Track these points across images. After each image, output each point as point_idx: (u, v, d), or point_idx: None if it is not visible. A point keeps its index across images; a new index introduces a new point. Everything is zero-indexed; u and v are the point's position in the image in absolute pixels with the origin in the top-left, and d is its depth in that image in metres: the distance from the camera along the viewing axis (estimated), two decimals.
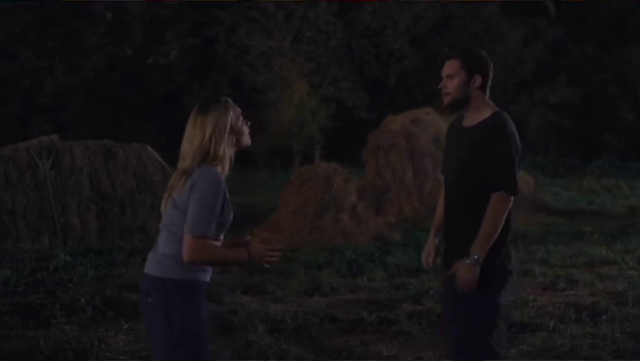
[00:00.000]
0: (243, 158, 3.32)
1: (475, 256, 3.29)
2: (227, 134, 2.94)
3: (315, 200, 11.62)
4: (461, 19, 28.06)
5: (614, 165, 25.88)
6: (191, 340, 2.87)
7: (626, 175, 23.45)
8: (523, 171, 13.83)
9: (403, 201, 13.77)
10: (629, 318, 5.84)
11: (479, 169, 3.36)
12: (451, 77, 3.46)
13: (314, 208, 11.50)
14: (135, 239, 10.51)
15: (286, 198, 12.10)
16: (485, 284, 3.32)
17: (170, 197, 2.93)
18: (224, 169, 2.95)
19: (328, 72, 26.19)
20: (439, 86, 3.54)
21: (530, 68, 28.67)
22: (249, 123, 3.07)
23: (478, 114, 3.45)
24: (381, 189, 13.87)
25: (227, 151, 2.96)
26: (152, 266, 2.93)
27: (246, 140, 3.05)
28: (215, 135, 2.91)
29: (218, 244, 2.93)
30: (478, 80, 3.45)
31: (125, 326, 5.74)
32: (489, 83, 3.50)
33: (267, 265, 2.97)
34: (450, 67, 3.48)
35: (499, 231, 3.32)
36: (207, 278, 2.96)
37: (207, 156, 2.90)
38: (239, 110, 3.02)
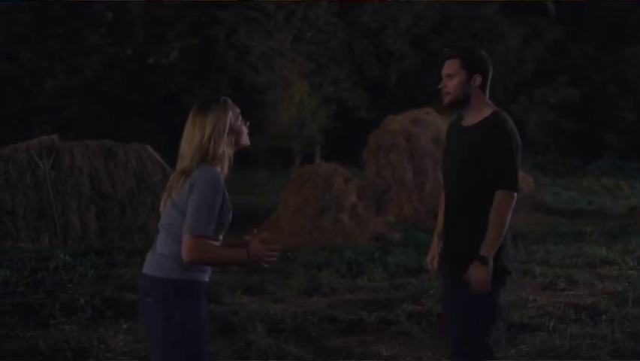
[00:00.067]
0: (243, 158, 3.31)
1: (486, 257, 3.29)
2: (226, 134, 2.94)
3: (315, 200, 11.62)
4: (461, 19, 28.06)
5: (614, 165, 25.88)
6: (190, 340, 2.87)
7: (626, 175, 23.45)
8: (523, 171, 13.83)
9: (403, 201, 13.76)
10: (629, 318, 5.83)
11: (479, 169, 3.36)
12: (451, 76, 3.47)
13: (314, 208, 11.50)
14: (135, 239, 10.51)
15: (286, 198, 12.10)
16: None
17: (169, 197, 2.93)
18: (223, 169, 2.95)
19: (328, 72, 26.19)
20: (439, 86, 3.55)
21: (530, 68, 28.67)
22: (248, 123, 3.07)
23: (477, 114, 3.46)
24: (381, 189, 13.87)
25: (227, 151, 2.95)
26: (151, 266, 2.93)
27: (245, 140, 3.05)
28: (214, 135, 2.91)
29: (218, 244, 2.93)
30: (478, 80, 3.46)
31: (125, 326, 5.75)
32: (489, 83, 3.51)
33: (266, 265, 2.97)
34: (450, 66, 3.48)
35: (506, 228, 3.32)
36: (206, 278, 2.95)
37: (206, 156, 2.90)
38: (238, 110, 3.02)
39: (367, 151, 14.82)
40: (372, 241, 10.87)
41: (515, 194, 3.35)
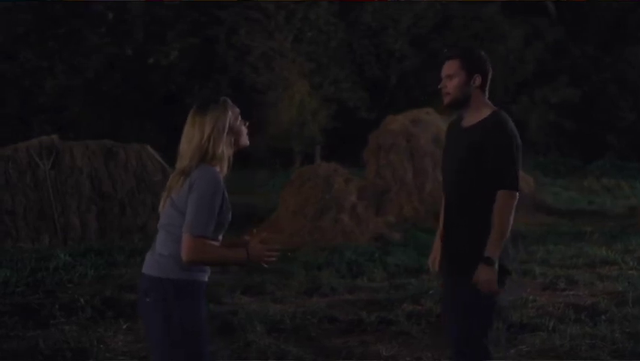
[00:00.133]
0: (243, 158, 3.32)
1: (491, 257, 3.29)
2: (225, 134, 2.94)
3: (315, 200, 11.62)
4: (462, 19, 28.04)
5: (614, 165, 25.87)
6: (190, 340, 2.86)
7: (626, 175, 23.44)
8: (524, 171, 13.82)
9: (403, 201, 13.76)
10: (629, 318, 5.83)
11: (478, 169, 3.36)
12: (451, 77, 3.48)
13: (314, 208, 11.50)
14: (135, 239, 10.51)
15: (286, 198, 12.10)
16: None
17: (168, 197, 2.93)
18: (222, 169, 2.95)
19: (329, 72, 26.17)
20: (439, 86, 3.55)
21: (531, 68, 28.65)
22: (247, 123, 3.07)
23: (477, 114, 3.46)
24: (381, 189, 13.87)
25: (226, 151, 2.95)
26: (150, 266, 2.93)
27: (245, 140, 3.05)
28: (213, 135, 2.91)
29: (217, 244, 2.93)
30: (477, 80, 3.46)
31: (124, 326, 5.75)
32: (488, 83, 3.52)
33: (265, 265, 2.97)
34: (450, 67, 3.49)
35: (509, 228, 3.33)
36: (206, 278, 2.95)
37: (206, 156, 2.90)
38: (237, 110, 3.02)
39: (367, 151, 14.81)
40: (372, 241, 10.87)
41: (517, 193, 3.36)
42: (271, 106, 24.36)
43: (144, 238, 10.27)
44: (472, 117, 3.48)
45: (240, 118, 3.02)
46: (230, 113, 2.98)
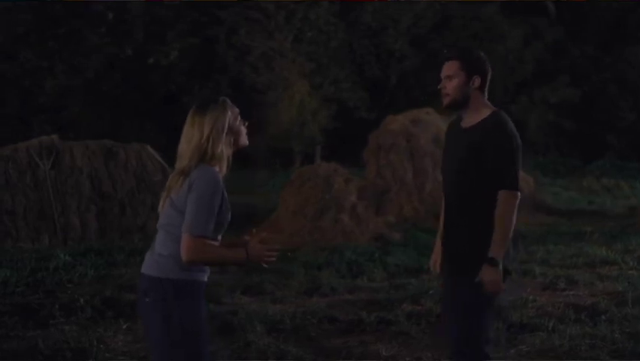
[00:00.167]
0: (243, 158, 3.32)
1: (495, 258, 3.29)
2: (225, 134, 2.94)
3: (315, 200, 11.62)
4: (461, 19, 28.05)
5: (614, 165, 25.88)
6: (190, 340, 2.86)
7: (626, 175, 23.45)
8: (524, 172, 13.81)
9: (403, 201, 13.76)
10: (629, 318, 5.83)
11: (478, 169, 3.37)
12: (451, 77, 3.48)
13: (314, 208, 11.50)
14: (135, 239, 10.51)
15: (286, 198, 12.10)
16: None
17: (167, 197, 2.92)
18: (222, 169, 2.95)
19: (329, 72, 26.18)
20: (438, 87, 3.55)
21: (530, 68, 28.66)
22: (246, 123, 3.07)
23: (476, 115, 3.47)
24: (381, 189, 13.87)
25: (225, 151, 2.95)
26: (150, 266, 2.93)
27: (244, 140, 3.05)
28: (213, 135, 2.91)
29: (217, 243, 2.93)
30: (477, 81, 3.47)
31: (124, 326, 5.74)
32: (488, 84, 3.52)
33: (265, 265, 2.97)
34: (449, 68, 3.49)
35: (512, 228, 3.33)
36: (205, 278, 2.95)
37: (205, 156, 2.90)
38: (237, 110, 3.02)
39: (367, 151, 14.82)
40: (372, 241, 10.87)
41: (518, 193, 3.36)
42: (271, 106, 24.36)
43: (144, 238, 10.27)
44: (472, 118, 3.48)
45: (239, 118, 3.02)
46: (229, 113, 2.98)
